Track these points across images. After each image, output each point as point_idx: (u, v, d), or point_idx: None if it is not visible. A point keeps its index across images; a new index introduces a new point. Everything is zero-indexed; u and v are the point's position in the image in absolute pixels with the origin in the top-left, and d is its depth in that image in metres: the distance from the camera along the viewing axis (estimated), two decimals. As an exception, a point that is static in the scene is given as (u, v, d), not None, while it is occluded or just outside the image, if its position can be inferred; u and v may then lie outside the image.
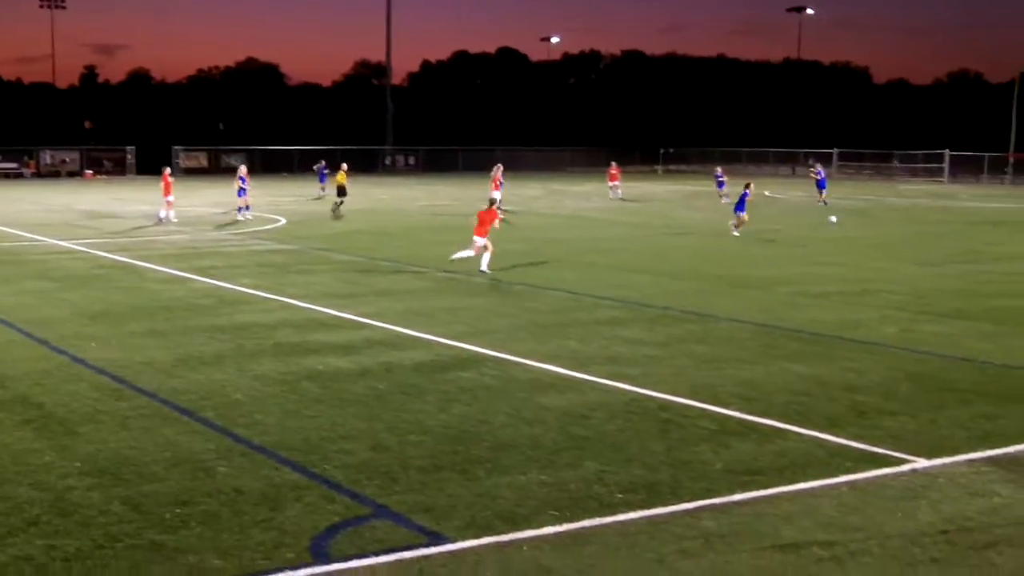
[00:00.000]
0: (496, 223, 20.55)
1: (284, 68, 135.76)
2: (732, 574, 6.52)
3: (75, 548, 6.80)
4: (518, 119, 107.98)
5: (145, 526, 7.18)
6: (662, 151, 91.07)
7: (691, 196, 50.57)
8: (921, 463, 8.71)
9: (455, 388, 11.11)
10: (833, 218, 31.73)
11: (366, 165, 72.36)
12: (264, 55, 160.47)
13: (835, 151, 76.60)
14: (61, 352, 12.89)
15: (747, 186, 29.72)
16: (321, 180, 47.35)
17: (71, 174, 68.99)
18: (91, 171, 69.63)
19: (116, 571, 6.48)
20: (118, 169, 71.44)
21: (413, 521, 7.30)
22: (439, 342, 13.61)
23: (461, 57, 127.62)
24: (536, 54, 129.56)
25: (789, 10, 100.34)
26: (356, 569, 6.52)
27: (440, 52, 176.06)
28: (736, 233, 28.79)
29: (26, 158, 69.23)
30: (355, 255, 23.91)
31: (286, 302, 16.92)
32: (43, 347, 13.23)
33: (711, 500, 7.73)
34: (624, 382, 11.36)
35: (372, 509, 7.55)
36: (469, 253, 20.29)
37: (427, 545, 6.88)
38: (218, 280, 19.42)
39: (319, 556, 6.71)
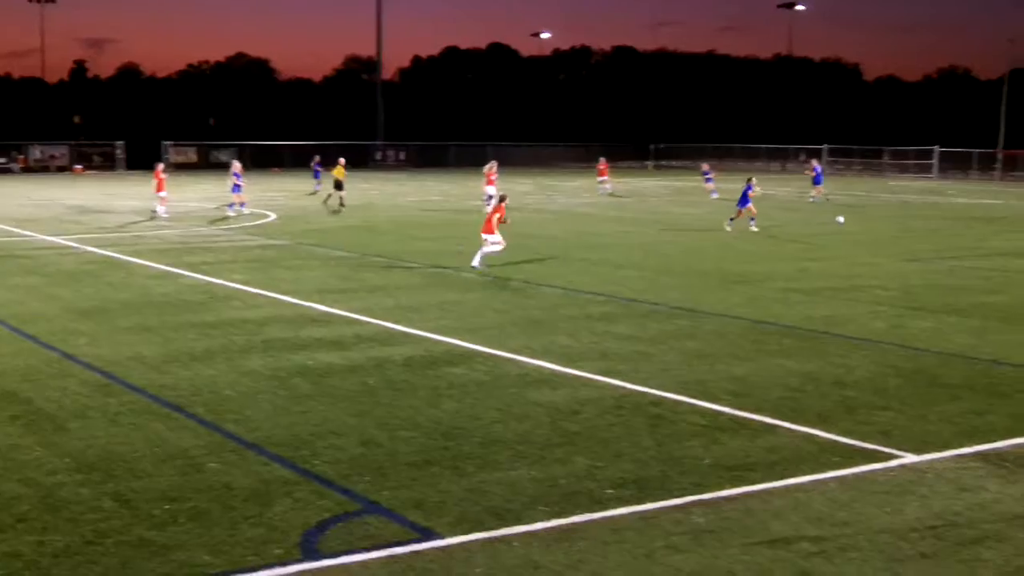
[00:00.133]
0: (495, 218, 20.56)
1: (274, 63, 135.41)
2: (722, 569, 6.53)
3: (64, 544, 6.78)
4: (509, 115, 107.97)
5: (134, 522, 7.16)
6: (652, 147, 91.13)
7: (681, 192, 50.61)
8: (910, 458, 8.74)
9: (445, 384, 11.11)
10: (840, 218, 31.73)
11: (357, 160, 72.00)
12: (254, 50, 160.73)
13: (825, 147, 76.70)
14: (50, 348, 12.85)
15: (749, 181, 29.87)
16: (316, 176, 46.93)
17: (60, 169, 68.66)
18: (80, 166, 69.29)
19: (105, 567, 6.47)
20: (108, 164, 71.17)
21: (403, 517, 7.30)
22: (430, 338, 13.60)
23: (452, 53, 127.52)
24: (527, 50, 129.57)
25: (780, 6, 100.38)
26: (346, 565, 6.51)
27: (431, 47, 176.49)
28: (729, 228, 28.87)
29: (15, 153, 68.89)
30: (346, 251, 23.88)
31: (276, 298, 16.89)
32: (32, 343, 13.18)
33: (701, 496, 7.75)
34: (615, 378, 11.37)
35: (362, 505, 7.55)
36: (496, 249, 20.28)
37: (417, 541, 6.88)
38: (208, 276, 19.38)
39: (309, 552, 6.70)
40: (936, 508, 7.61)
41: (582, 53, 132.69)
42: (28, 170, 67.76)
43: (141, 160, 64.98)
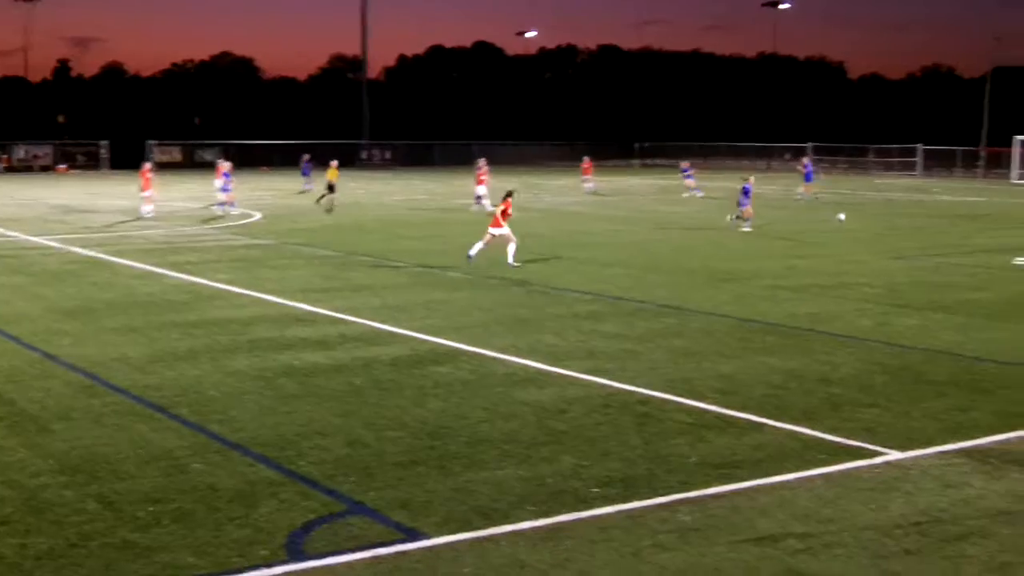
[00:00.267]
0: (499, 212, 20.71)
1: (259, 62, 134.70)
2: (708, 567, 6.53)
3: (48, 547, 6.74)
4: (494, 113, 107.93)
5: (118, 524, 7.12)
6: (637, 145, 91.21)
7: (666, 190, 50.67)
8: (895, 455, 8.77)
9: (432, 383, 11.09)
10: (841, 215, 31.75)
11: (343, 160, 71.80)
12: (239, 49, 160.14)
13: (810, 145, 76.91)
14: (33, 349, 12.77)
15: (747, 180, 29.92)
16: (305, 174, 46.60)
17: (44, 168, 68.29)
18: (64, 165, 68.93)
19: (89, 570, 6.43)
20: (92, 164, 70.80)
21: (390, 517, 7.28)
22: (416, 337, 13.58)
23: (437, 51, 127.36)
24: (512, 48, 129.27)
25: (764, 5, 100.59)
26: (332, 566, 6.49)
27: (416, 46, 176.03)
28: (735, 227, 28.84)
29: (-2, 153, 68.54)
30: (331, 250, 23.81)
31: (262, 298, 16.83)
32: (15, 343, 13.09)
33: (687, 493, 7.76)
34: (601, 376, 11.37)
35: (348, 505, 7.53)
36: (511, 247, 20.38)
37: (404, 541, 6.86)
38: (193, 276, 19.29)
39: (294, 553, 6.68)
40: (921, 504, 7.64)
41: (568, 52, 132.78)
42: (11, 170, 67.33)
43: (125, 160, 64.63)
